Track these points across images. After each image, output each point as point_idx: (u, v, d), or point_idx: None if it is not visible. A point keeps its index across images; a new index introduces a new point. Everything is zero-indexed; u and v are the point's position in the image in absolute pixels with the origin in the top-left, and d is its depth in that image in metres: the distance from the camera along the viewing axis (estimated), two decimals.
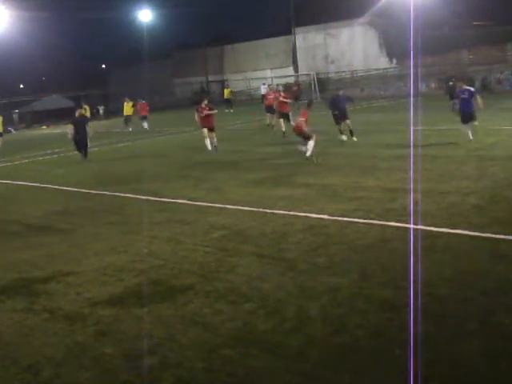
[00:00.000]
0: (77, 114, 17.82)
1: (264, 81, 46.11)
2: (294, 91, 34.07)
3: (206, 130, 16.25)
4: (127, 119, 29.76)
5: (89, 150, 17.51)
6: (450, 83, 23.13)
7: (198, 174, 12.83)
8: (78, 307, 5.41)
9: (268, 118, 22.55)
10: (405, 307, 4.64)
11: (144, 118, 29.24)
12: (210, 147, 16.12)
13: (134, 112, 30.24)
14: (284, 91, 25.23)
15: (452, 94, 22.42)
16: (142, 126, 28.76)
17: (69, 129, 17.32)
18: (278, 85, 34.85)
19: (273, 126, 22.10)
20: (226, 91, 40.03)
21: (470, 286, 5.08)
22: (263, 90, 43.27)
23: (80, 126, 17.08)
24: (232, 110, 36.59)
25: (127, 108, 30.11)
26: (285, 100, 20.20)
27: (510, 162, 10.86)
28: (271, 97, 22.97)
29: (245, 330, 4.60)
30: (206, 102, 16.78)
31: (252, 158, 14.71)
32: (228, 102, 38.08)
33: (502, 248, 6.05)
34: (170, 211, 9.20)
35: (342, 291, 5.21)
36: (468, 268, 5.54)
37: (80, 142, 17.17)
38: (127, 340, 4.62)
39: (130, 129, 28.95)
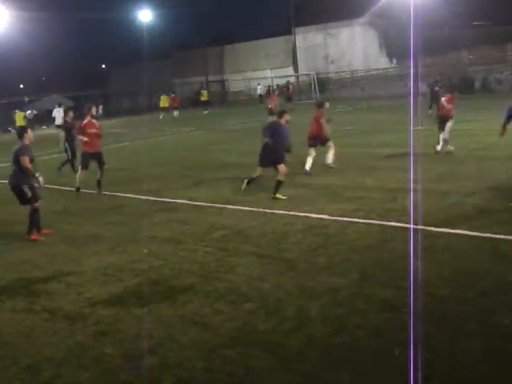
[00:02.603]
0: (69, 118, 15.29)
1: (260, 81, 46.96)
2: (284, 92, 34.50)
3: (84, 170, 11.40)
4: (163, 110, 35.49)
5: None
6: (437, 88, 22.82)
7: (198, 173, 12.83)
8: (78, 307, 5.41)
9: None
10: (405, 307, 4.64)
11: (175, 108, 35.97)
12: (79, 184, 11.46)
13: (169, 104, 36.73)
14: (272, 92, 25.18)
15: (437, 99, 22.11)
16: (174, 116, 34.84)
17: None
18: (277, 85, 35.06)
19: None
20: (204, 93, 41.75)
21: (469, 286, 5.09)
22: (259, 90, 43.92)
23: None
24: (208, 111, 38.21)
25: (163, 101, 36.20)
26: None
27: (510, 162, 10.86)
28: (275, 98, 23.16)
29: (245, 330, 4.61)
30: (93, 111, 11.87)
31: (252, 157, 14.68)
32: (206, 104, 39.97)
33: (502, 248, 6.05)
34: (170, 211, 9.20)
35: (341, 291, 5.21)
36: (468, 268, 5.54)
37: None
38: (127, 340, 4.62)
39: (161, 117, 34.42)
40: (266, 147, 9.78)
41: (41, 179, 8.27)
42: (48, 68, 70.54)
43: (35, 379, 4.16)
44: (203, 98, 41.30)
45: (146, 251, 6.99)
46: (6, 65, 58.44)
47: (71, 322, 5.08)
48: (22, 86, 75.52)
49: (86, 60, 78.50)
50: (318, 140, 11.91)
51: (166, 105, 36.36)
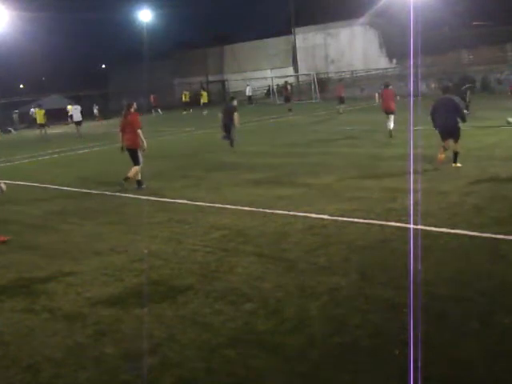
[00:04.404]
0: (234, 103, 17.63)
1: (259, 82, 48.23)
2: (283, 93, 35.24)
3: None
4: (204, 106, 37.66)
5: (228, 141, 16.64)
6: (465, 88, 22.78)
7: (198, 173, 12.83)
8: (78, 307, 5.41)
9: (341, 108, 27.35)
10: (405, 307, 4.64)
11: (156, 107, 40.60)
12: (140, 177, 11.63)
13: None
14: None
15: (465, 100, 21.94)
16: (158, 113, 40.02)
17: (219, 116, 17.28)
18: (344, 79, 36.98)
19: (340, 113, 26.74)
20: (185, 95, 43.09)
21: (469, 286, 5.08)
22: (248, 91, 44.55)
23: (226, 114, 16.84)
24: (191, 111, 40.50)
25: (204, 97, 38.78)
26: None
27: (510, 161, 10.86)
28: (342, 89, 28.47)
29: (245, 330, 4.60)
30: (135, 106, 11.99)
31: (252, 157, 14.71)
32: (186, 105, 41.97)
33: (502, 248, 6.05)
34: (170, 211, 9.20)
35: (341, 291, 5.21)
36: (468, 268, 5.54)
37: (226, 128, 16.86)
38: (127, 340, 4.62)
39: (205, 112, 35.94)
40: (443, 123, 11.01)
41: (3, 185, 8.13)
42: (48, 68, 70.61)
43: (35, 379, 4.16)
44: (184, 100, 42.83)
45: (146, 251, 6.99)
46: (5, 65, 58.46)
47: (71, 321, 5.08)
48: (21, 86, 75.56)
49: (86, 60, 78.58)
50: (388, 110, 16.45)
51: (206, 100, 38.60)
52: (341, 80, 33.11)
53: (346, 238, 6.87)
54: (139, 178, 11.57)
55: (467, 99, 21.70)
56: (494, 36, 37.47)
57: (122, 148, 11.74)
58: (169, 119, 34.28)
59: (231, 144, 16.55)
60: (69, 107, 39.31)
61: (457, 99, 11.08)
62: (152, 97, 41.84)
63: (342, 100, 27.82)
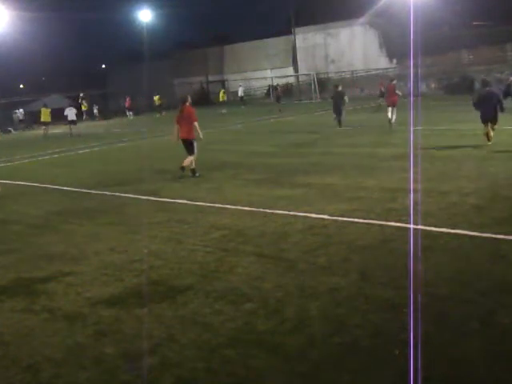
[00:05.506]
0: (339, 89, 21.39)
1: (259, 82, 48.59)
2: (275, 94, 37.41)
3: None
4: (222, 104, 39.44)
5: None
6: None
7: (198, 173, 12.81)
8: (78, 307, 5.40)
9: (381, 101, 28.63)
10: (405, 307, 4.64)
11: (130, 110, 42.46)
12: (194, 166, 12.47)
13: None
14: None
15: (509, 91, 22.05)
16: (128, 117, 41.90)
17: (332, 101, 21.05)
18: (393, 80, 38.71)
19: (381, 104, 27.76)
20: (156, 98, 43.83)
21: (469, 286, 5.08)
22: (240, 92, 45.03)
23: (336, 98, 20.47)
24: (164, 114, 41.14)
25: (222, 95, 40.59)
26: None
27: (510, 161, 10.86)
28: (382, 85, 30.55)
29: (245, 330, 4.60)
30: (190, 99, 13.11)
31: (252, 157, 14.71)
32: (159, 107, 43.21)
33: (502, 248, 6.05)
34: (170, 211, 9.20)
35: (341, 291, 5.21)
36: (468, 268, 5.54)
37: (336, 110, 20.45)
38: (127, 340, 4.62)
39: (223, 111, 36.90)
40: (486, 112, 12.94)
41: None
42: (48, 68, 70.65)
43: (35, 379, 4.15)
44: (157, 102, 43.53)
45: (145, 251, 6.99)
46: (5, 65, 58.49)
47: (71, 321, 5.08)
48: (21, 86, 75.55)
49: (86, 60, 78.63)
50: (390, 103, 18.59)
51: (225, 99, 40.62)
52: (381, 77, 36.68)
53: (346, 237, 6.87)
54: (193, 166, 12.31)
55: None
56: (494, 36, 37.46)
57: (178, 138, 12.58)
58: (169, 119, 34.27)
59: (339, 125, 19.83)
60: (83, 106, 41.53)
61: (498, 92, 13.06)
62: (127, 99, 42.76)
63: (382, 94, 30.22)
